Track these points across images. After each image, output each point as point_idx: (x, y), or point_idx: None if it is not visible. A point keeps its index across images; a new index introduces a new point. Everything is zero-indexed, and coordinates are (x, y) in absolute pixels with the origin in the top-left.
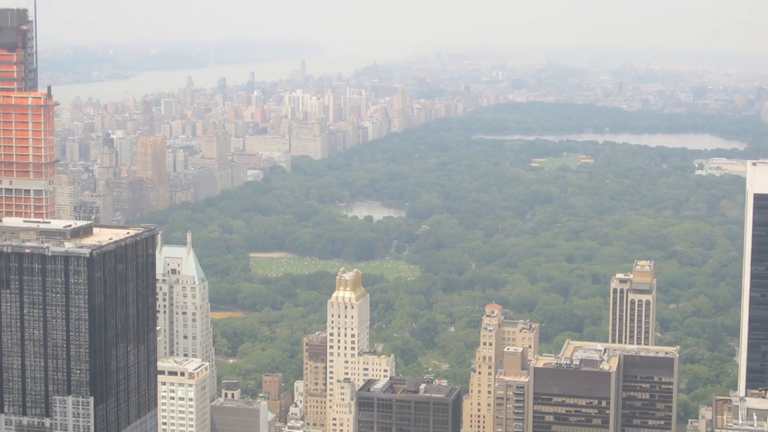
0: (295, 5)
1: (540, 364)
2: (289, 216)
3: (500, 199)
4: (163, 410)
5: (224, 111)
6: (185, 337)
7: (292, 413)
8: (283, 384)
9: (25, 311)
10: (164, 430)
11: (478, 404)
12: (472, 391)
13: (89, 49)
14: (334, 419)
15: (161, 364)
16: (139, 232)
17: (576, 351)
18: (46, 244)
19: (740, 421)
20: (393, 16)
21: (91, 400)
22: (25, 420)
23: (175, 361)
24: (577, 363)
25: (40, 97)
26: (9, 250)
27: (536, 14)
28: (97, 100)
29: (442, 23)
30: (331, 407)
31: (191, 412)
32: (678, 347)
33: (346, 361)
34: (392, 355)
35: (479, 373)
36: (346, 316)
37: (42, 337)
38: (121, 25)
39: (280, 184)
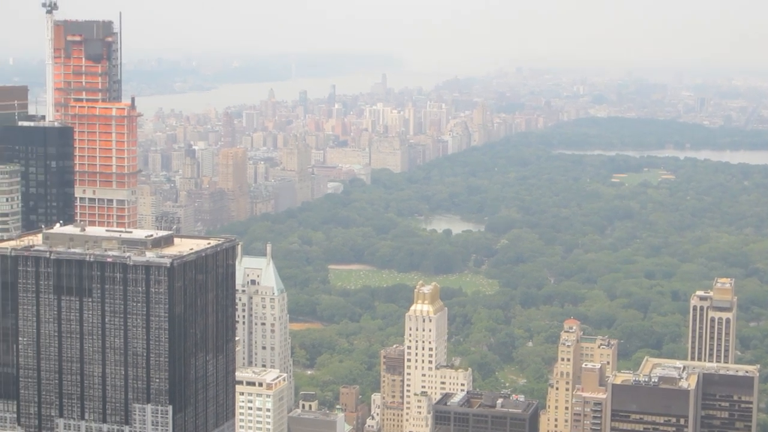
0: (377, 19)
1: (618, 381)
2: (369, 228)
3: (580, 214)
4: (241, 420)
5: (305, 123)
6: (264, 347)
7: (368, 425)
8: (360, 396)
9: (106, 320)
10: None
11: (555, 420)
12: (549, 407)
13: (173, 60)
14: None
15: (239, 374)
16: (220, 242)
17: (655, 368)
18: (127, 254)
19: None
20: (475, 30)
21: (170, 408)
22: (105, 427)
23: (253, 372)
24: (656, 380)
25: (124, 108)
26: (91, 259)
27: (618, 29)
28: (179, 111)
29: (524, 38)
30: (407, 420)
31: (269, 423)
32: (758, 366)
33: (424, 375)
34: (469, 369)
35: (557, 388)
36: (424, 330)
37: (122, 345)
38: (205, 38)
39: (360, 197)
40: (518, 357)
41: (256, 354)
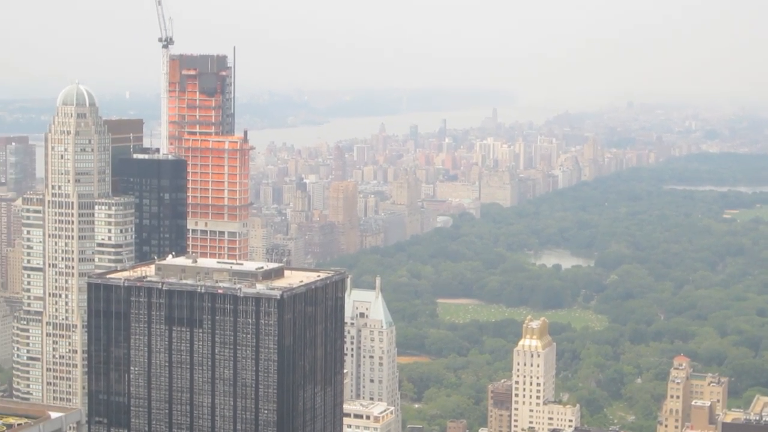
0: (488, 54)
1: (728, 419)
2: (478, 263)
3: (691, 250)
4: None
5: (415, 157)
6: (372, 380)
7: None
8: (467, 431)
9: (216, 350)
10: None
11: None
12: None
13: (285, 94)
14: None
15: (347, 407)
16: (329, 275)
17: (766, 407)
18: (238, 285)
19: None
20: (586, 65)
21: None
22: None
23: (361, 404)
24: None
25: (236, 141)
26: (203, 290)
27: (731, 65)
28: (291, 144)
29: (635, 73)
30: None
31: None
32: None
33: (531, 410)
34: (578, 405)
35: (666, 426)
36: (532, 365)
37: (232, 376)
38: (317, 72)
39: (469, 231)
40: (627, 393)
41: (364, 387)
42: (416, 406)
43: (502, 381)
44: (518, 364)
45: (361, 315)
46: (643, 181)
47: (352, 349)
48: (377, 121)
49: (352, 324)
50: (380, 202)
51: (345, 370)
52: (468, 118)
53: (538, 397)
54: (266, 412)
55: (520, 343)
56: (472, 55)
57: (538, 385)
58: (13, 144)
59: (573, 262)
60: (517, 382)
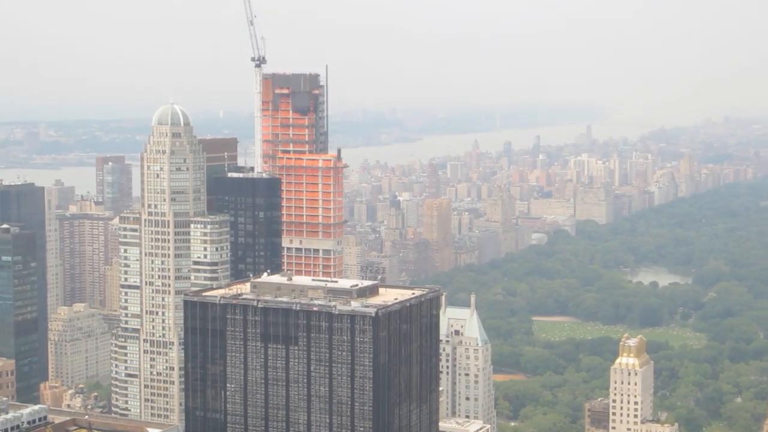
0: (582, 70)
1: None
2: (573, 280)
3: None
4: None
5: (509, 174)
6: (467, 398)
7: None
8: None
9: (311, 368)
10: None
11: None
12: None
13: (378, 112)
14: None
15: (443, 425)
16: (424, 292)
17: None
18: (333, 303)
19: None
20: (681, 80)
21: None
22: None
23: (456, 422)
24: None
25: (330, 160)
26: (298, 308)
27: None
28: (385, 162)
29: (731, 87)
30: None
31: None
32: None
33: (629, 429)
34: (676, 424)
35: None
36: (629, 383)
37: (327, 393)
38: (410, 89)
39: (564, 248)
40: (726, 413)
41: (459, 404)
42: (512, 424)
43: (599, 399)
44: (615, 382)
45: (456, 332)
46: (740, 197)
47: (448, 367)
48: (471, 138)
49: (447, 341)
50: (474, 219)
51: (440, 388)
52: (562, 134)
53: (635, 416)
54: (362, 429)
55: (617, 361)
56: (565, 69)
57: (636, 403)
58: (110, 163)
59: (670, 280)
60: (614, 401)
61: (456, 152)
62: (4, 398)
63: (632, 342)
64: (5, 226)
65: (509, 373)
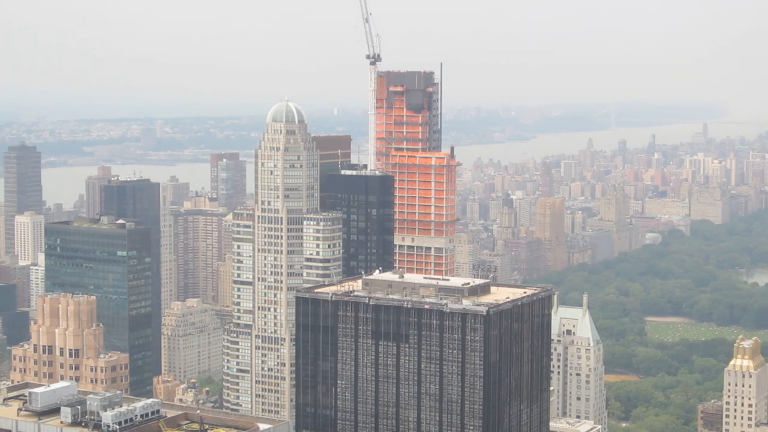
0: (698, 68)
1: None
2: (688, 281)
3: None
4: None
5: (624, 173)
6: (578, 398)
7: None
8: None
9: (422, 366)
10: None
11: None
12: None
13: (492, 110)
14: None
15: (553, 425)
16: (536, 291)
17: None
18: (444, 301)
19: None
20: None
21: None
22: None
23: (567, 422)
24: None
25: (443, 158)
26: (409, 306)
27: None
28: (498, 160)
29: None
30: None
31: None
32: None
33: None
34: None
35: None
36: (743, 385)
37: (438, 391)
38: (524, 87)
39: (679, 248)
40: None
41: (570, 404)
42: (623, 425)
43: (713, 401)
44: (729, 384)
45: (568, 332)
46: None
47: (559, 367)
48: (585, 136)
49: (559, 341)
50: (588, 218)
51: (551, 388)
52: (678, 132)
53: (749, 419)
54: (472, 428)
55: (732, 363)
56: (681, 67)
57: (750, 406)
58: (225, 160)
59: None
60: (728, 403)
61: (570, 150)
62: (118, 391)
63: (747, 344)
64: (121, 221)
65: (621, 374)
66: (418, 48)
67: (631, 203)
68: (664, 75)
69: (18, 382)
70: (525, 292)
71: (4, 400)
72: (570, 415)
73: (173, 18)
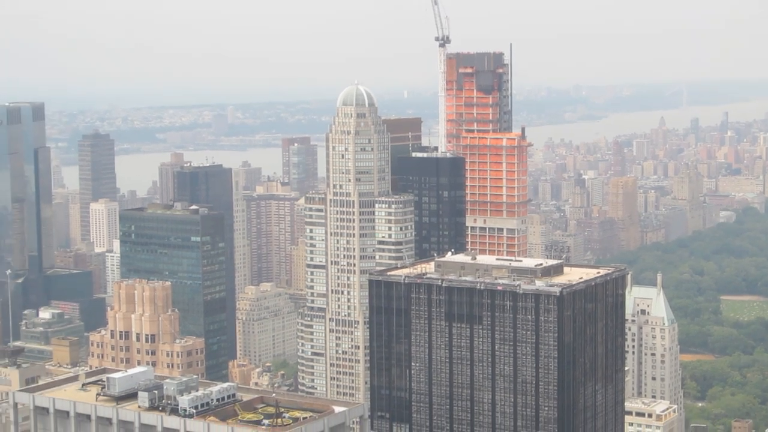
0: None
1: None
2: (763, 259)
3: None
4: None
5: (697, 151)
6: (653, 378)
7: None
8: (753, 431)
9: (496, 347)
10: None
11: None
12: None
13: (562, 90)
14: None
15: (629, 405)
16: (609, 271)
17: None
18: (517, 282)
19: None
20: None
21: None
22: None
23: (642, 402)
24: None
25: (514, 138)
26: (482, 287)
27: None
28: (569, 140)
29: None
30: None
31: None
32: None
33: None
34: None
35: None
36: None
37: (512, 373)
38: (595, 66)
39: (753, 226)
40: None
41: (645, 384)
42: (699, 404)
43: None
44: None
45: (642, 312)
46: None
47: (633, 347)
48: (657, 115)
49: (633, 321)
50: (660, 197)
51: (626, 368)
52: (751, 110)
53: None
54: (547, 408)
55: None
56: (754, 43)
57: None
58: (296, 144)
59: None
60: None
61: (642, 129)
62: (195, 376)
63: None
64: (194, 207)
65: (696, 353)
66: (487, 29)
67: (705, 181)
68: (737, 53)
69: (96, 367)
70: (598, 272)
71: (83, 385)
72: (645, 395)
73: (239, 13)
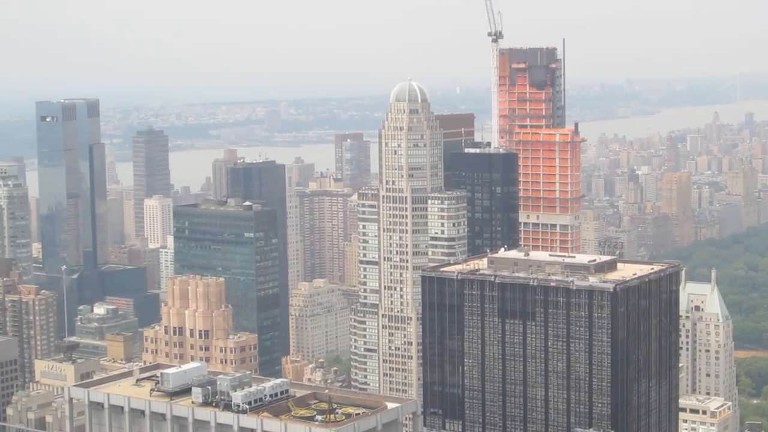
0: None
1: None
2: None
3: None
4: None
5: (751, 146)
6: (708, 375)
7: None
8: None
9: (549, 343)
10: None
11: None
12: None
13: (616, 85)
14: None
15: (683, 401)
16: (663, 268)
17: None
18: (570, 278)
19: None
20: None
21: None
22: None
23: (697, 399)
24: None
25: (567, 134)
26: (535, 283)
27: None
28: (622, 136)
29: None
30: None
31: None
32: None
33: None
34: None
35: None
36: None
37: (565, 369)
38: (648, 61)
39: None
40: None
41: (699, 381)
42: (755, 401)
43: None
44: None
45: (696, 308)
46: None
47: (687, 343)
48: (710, 110)
49: (687, 317)
50: (715, 192)
51: (680, 364)
52: None
53: None
54: (600, 405)
55: None
56: None
57: None
58: (348, 141)
59: None
60: None
61: (695, 125)
62: (248, 372)
63: None
64: (248, 203)
65: (751, 350)
66: (540, 23)
67: (759, 177)
68: None
69: (150, 363)
70: (652, 269)
71: (137, 380)
72: (700, 392)
73: (292, 18)
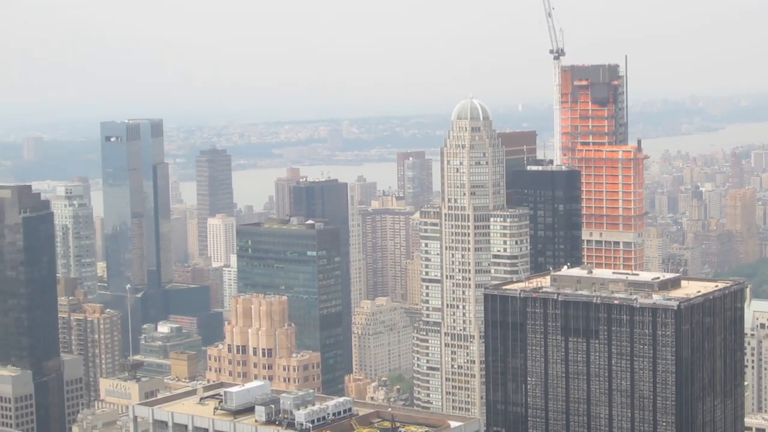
0: None
1: None
2: None
3: None
4: None
5: None
6: None
7: None
8: None
9: (612, 362)
10: None
11: None
12: None
13: (679, 101)
14: None
15: (748, 420)
16: (728, 285)
17: None
18: (634, 296)
19: None
20: None
21: None
22: None
23: (763, 418)
24: None
25: (630, 151)
26: (598, 301)
27: None
28: (686, 152)
29: None
30: None
31: None
32: None
33: None
34: None
35: None
36: None
37: (629, 387)
38: (711, 77)
39: None
40: None
41: (765, 399)
42: None
43: None
44: None
45: (762, 326)
46: None
47: (753, 361)
48: None
49: (752, 335)
50: None
51: (745, 383)
52: None
53: None
54: (664, 424)
55: None
56: None
57: None
58: (411, 159)
59: None
60: None
61: (760, 140)
62: (311, 390)
63: None
64: (310, 221)
65: None
66: (602, 38)
67: None
68: None
69: (213, 381)
70: (716, 286)
71: (201, 399)
72: (766, 411)
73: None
